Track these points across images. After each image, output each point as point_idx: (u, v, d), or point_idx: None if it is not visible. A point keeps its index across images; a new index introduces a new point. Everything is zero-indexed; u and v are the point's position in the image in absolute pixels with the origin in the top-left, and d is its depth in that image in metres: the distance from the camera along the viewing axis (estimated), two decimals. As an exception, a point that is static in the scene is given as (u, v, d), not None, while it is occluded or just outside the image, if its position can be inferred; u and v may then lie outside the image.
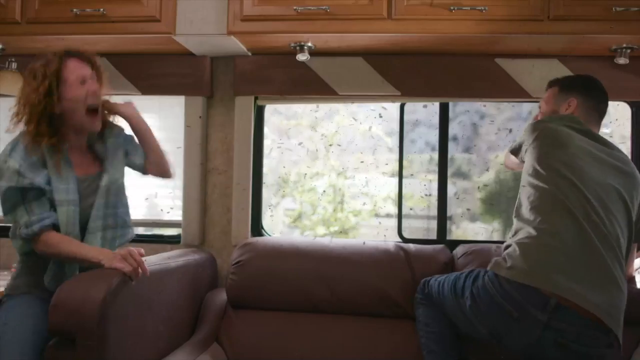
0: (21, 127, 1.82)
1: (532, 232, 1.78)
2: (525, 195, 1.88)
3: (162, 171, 2.09)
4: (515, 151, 2.06)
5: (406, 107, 2.61)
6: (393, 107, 2.67)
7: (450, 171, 2.60)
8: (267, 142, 2.72)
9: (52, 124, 1.80)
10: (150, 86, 2.60)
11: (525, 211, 1.85)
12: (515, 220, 1.90)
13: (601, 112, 2.02)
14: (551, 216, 1.78)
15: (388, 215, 2.78)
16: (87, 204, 1.87)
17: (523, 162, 1.99)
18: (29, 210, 1.75)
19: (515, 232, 1.86)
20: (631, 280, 2.07)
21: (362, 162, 2.80)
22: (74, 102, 1.81)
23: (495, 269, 1.80)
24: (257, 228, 2.65)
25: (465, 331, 1.96)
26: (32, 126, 1.78)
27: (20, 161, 1.75)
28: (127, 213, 2.02)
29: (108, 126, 1.98)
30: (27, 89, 1.81)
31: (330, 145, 2.82)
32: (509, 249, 1.82)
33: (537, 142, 1.90)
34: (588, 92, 2.01)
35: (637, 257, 2.07)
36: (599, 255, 1.72)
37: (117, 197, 1.97)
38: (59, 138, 1.82)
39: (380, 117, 2.76)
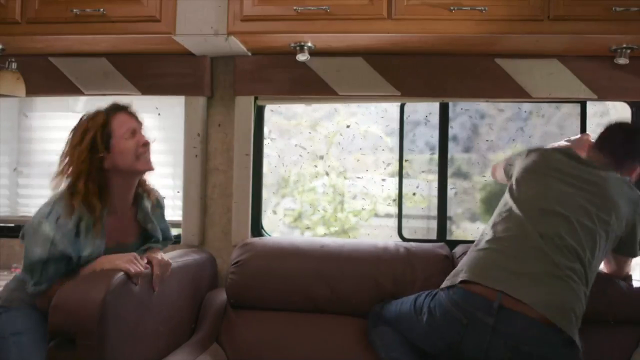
0: (64, 184, 1.80)
1: (484, 245, 1.88)
2: (498, 208, 1.97)
3: None
4: (506, 171, 2.13)
5: (406, 107, 2.61)
6: (393, 107, 2.67)
7: (450, 171, 2.60)
8: (267, 142, 2.72)
9: (100, 183, 1.78)
10: (150, 86, 2.59)
11: (490, 223, 1.94)
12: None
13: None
14: (505, 230, 1.87)
15: (388, 215, 2.78)
16: None
17: (509, 178, 2.05)
18: (44, 272, 1.73)
19: (476, 244, 1.94)
20: (627, 278, 2.11)
21: (361, 162, 2.80)
22: (125, 154, 1.81)
23: (445, 283, 1.89)
24: (257, 228, 2.65)
25: (425, 348, 1.95)
26: (80, 184, 1.76)
27: (56, 229, 1.72)
28: None
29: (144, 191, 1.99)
30: (71, 144, 1.80)
31: (331, 144, 2.82)
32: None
33: (527, 159, 2.00)
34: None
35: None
36: (547, 257, 1.76)
37: None
38: (104, 201, 1.80)
39: (381, 117, 2.76)
